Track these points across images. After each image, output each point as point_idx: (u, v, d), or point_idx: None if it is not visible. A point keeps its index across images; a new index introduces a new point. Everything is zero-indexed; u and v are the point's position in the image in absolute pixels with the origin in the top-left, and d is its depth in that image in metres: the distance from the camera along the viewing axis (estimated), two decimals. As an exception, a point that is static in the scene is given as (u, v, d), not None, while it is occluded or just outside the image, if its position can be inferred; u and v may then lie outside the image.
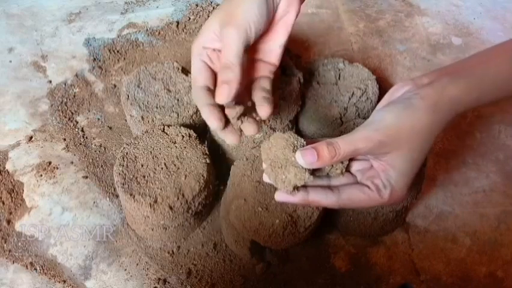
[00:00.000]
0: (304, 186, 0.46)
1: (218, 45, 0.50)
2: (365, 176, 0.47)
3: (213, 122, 0.48)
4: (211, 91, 0.49)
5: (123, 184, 0.58)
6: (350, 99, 0.68)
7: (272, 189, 0.57)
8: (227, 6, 0.50)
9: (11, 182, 0.70)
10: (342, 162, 0.46)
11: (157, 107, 0.66)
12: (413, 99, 0.44)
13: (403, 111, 0.44)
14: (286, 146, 0.45)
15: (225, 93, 0.46)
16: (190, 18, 0.96)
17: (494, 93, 0.48)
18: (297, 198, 0.46)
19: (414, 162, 0.45)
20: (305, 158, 0.43)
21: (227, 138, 0.51)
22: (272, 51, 0.53)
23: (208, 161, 0.61)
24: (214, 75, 0.50)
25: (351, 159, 0.48)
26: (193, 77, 0.51)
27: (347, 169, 0.48)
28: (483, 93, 0.47)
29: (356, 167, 0.49)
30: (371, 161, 0.47)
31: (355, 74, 0.71)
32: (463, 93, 0.45)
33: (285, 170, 0.44)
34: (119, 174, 0.59)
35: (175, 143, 0.62)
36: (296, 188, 0.45)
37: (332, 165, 0.46)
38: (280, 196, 0.46)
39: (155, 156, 0.60)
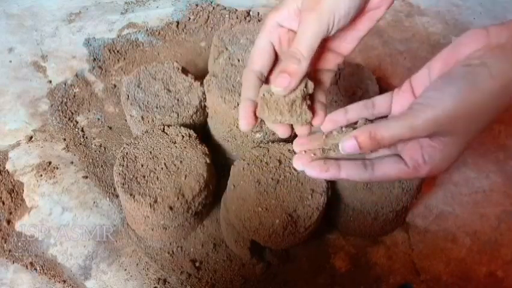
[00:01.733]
0: (336, 161, 0.43)
1: (296, 26, 0.43)
2: (405, 148, 0.41)
3: (243, 124, 0.44)
4: (262, 81, 0.44)
5: (123, 184, 0.58)
6: (350, 99, 0.68)
7: (272, 189, 0.57)
8: None
9: (11, 182, 0.70)
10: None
11: (157, 107, 0.66)
12: (479, 77, 0.36)
13: (465, 95, 0.36)
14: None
15: (284, 84, 0.41)
16: (190, 18, 0.96)
17: None
18: (329, 174, 0.42)
19: (466, 145, 0.39)
20: (346, 149, 0.39)
21: (277, 131, 0.46)
22: (348, 43, 0.47)
23: (208, 161, 0.61)
24: (275, 59, 0.45)
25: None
26: (252, 56, 0.45)
27: None
28: None
29: None
30: None
31: (355, 74, 0.71)
32: None
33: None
34: (119, 174, 0.59)
35: (175, 143, 0.62)
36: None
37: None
38: (312, 171, 0.42)
39: (155, 156, 0.60)
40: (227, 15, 0.97)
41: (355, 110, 0.45)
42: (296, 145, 0.46)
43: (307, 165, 0.43)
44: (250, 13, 0.99)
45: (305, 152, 0.45)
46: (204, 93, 0.67)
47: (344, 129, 0.44)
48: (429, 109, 0.37)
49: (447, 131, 0.38)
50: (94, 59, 0.87)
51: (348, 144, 0.39)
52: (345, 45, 0.47)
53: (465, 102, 0.36)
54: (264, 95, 0.42)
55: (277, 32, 0.44)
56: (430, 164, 0.40)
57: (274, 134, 0.65)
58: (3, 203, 0.68)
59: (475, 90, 0.36)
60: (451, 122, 0.37)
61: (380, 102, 0.45)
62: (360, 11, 0.44)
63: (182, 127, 0.64)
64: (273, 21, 0.44)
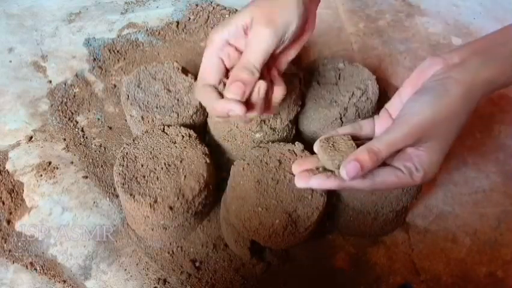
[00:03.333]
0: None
1: (242, 44, 0.46)
2: (396, 159, 0.45)
3: (238, 111, 0.45)
4: (219, 92, 0.46)
5: (123, 184, 0.58)
6: (350, 99, 0.68)
7: (272, 189, 0.57)
8: (266, 4, 0.45)
9: (11, 182, 0.70)
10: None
11: (157, 107, 0.66)
12: (447, 85, 0.42)
13: (439, 100, 0.42)
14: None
15: (239, 92, 0.43)
16: (190, 18, 0.96)
17: None
18: (334, 183, 0.44)
19: (448, 147, 0.44)
20: (349, 173, 0.42)
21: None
22: (280, 63, 0.50)
23: (208, 161, 0.61)
24: (227, 73, 0.47)
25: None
26: (203, 71, 0.47)
27: None
28: None
29: None
30: None
31: (355, 74, 0.71)
32: (496, 74, 0.43)
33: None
34: (119, 174, 0.59)
35: (175, 143, 0.62)
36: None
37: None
38: (315, 181, 0.44)
39: (155, 156, 0.60)
40: (227, 15, 0.97)
41: (344, 131, 0.49)
42: (295, 166, 0.49)
43: (311, 179, 0.45)
44: (250, 13, 0.99)
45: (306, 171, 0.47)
46: (204, 93, 0.67)
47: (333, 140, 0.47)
48: (413, 116, 0.42)
49: (430, 136, 0.43)
50: (94, 59, 0.87)
51: (349, 166, 0.42)
52: (278, 65, 0.50)
53: (440, 106, 0.42)
54: (321, 145, 0.46)
55: (226, 49, 0.46)
56: (422, 170, 0.44)
57: (274, 134, 0.65)
58: (3, 203, 0.68)
59: (447, 96, 0.42)
60: (432, 126, 0.42)
61: (365, 126, 0.49)
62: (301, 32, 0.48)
63: (182, 127, 0.64)
64: (222, 38, 0.47)
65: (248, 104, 0.45)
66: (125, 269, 0.63)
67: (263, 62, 0.44)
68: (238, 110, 0.44)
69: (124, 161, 0.60)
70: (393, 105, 0.48)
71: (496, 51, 0.44)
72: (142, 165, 0.59)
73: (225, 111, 0.45)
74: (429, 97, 0.43)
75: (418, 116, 0.42)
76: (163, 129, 0.63)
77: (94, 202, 0.69)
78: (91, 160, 0.74)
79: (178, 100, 0.66)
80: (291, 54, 0.50)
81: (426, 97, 0.43)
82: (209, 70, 0.47)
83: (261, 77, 0.46)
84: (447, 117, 0.42)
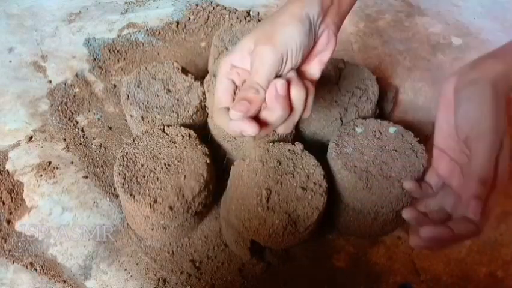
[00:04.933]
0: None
1: (249, 65, 0.47)
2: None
3: (250, 132, 0.44)
4: None
5: (123, 184, 0.58)
6: (350, 99, 0.68)
7: (272, 189, 0.57)
8: (267, 25, 0.46)
9: (11, 182, 0.70)
10: None
11: (157, 107, 0.66)
12: (476, 85, 0.44)
13: (483, 106, 0.44)
14: None
15: (244, 109, 0.43)
16: (190, 18, 0.96)
17: None
18: (444, 231, 0.43)
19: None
20: (473, 210, 0.42)
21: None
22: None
23: (208, 161, 0.61)
24: None
25: None
26: (218, 96, 0.47)
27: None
28: None
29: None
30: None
31: (355, 74, 0.71)
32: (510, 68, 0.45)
33: None
34: (119, 174, 0.59)
35: (175, 143, 0.62)
36: None
37: None
38: (426, 231, 0.43)
39: (155, 156, 0.60)
40: (227, 15, 0.97)
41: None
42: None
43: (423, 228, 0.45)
44: (250, 13, 0.99)
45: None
46: (203, 93, 0.67)
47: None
48: (479, 142, 0.43)
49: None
50: (94, 59, 0.87)
51: (473, 205, 0.42)
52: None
53: (488, 112, 0.43)
54: None
55: (234, 70, 0.47)
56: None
57: (274, 134, 0.65)
58: (3, 203, 0.68)
59: (484, 101, 0.44)
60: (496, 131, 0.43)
61: (430, 178, 0.53)
62: (309, 50, 0.48)
63: (182, 127, 0.64)
64: (227, 63, 0.48)
65: (260, 122, 0.46)
66: (125, 269, 0.63)
67: (267, 80, 0.44)
68: (250, 130, 0.44)
69: (124, 161, 0.60)
70: (438, 138, 0.50)
71: (506, 54, 0.46)
72: (142, 165, 0.59)
73: (238, 132, 0.45)
74: (474, 110, 0.44)
75: (485, 139, 0.43)
76: (163, 129, 0.63)
77: (94, 202, 0.69)
78: (91, 160, 0.74)
79: (178, 100, 0.66)
80: (313, 71, 0.50)
81: (470, 105, 0.44)
82: (221, 93, 0.47)
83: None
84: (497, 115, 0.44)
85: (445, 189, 0.51)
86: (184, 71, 0.70)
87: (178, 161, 0.60)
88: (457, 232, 0.42)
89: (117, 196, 0.69)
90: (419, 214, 0.49)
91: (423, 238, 0.43)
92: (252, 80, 0.45)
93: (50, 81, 0.84)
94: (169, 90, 0.67)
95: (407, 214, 0.49)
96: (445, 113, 0.48)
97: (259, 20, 0.97)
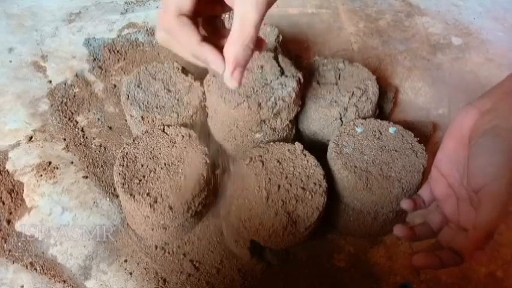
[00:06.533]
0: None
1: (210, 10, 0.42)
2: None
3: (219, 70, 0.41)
4: (190, 17, 0.40)
5: (123, 184, 0.58)
6: (350, 99, 0.68)
7: (272, 189, 0.57)
8: None
9: (11, 182, 0.70)
10: None
11: (157, 107, 0.66)
12: (496, 130, 0.43)
13: (504, 164, 0.42)
14: None
15: (239, 80, 0.41)
16: (190, 18, 0.96)
17: None
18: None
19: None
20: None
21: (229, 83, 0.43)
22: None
23: (208, 161, 0.61)
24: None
25: None
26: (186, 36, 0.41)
27: None
28: None
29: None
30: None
31: (355, 74, 0.71)
32: None
33: None
34: (119, 174, 0.59)
35: (175, 143, 0.62)
36: None
37: None
38: (417, 260, 0.46)
39: (155, 156, 0.60)
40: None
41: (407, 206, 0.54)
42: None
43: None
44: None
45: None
46: (203, 93, 0.67)
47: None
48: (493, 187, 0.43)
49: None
50: (94, 59, 0.87)
51: (477, 256, 0.44)
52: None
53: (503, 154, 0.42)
54: None
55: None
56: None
57: (274, 133, 0.65)
58: (3, 203, 0.68)
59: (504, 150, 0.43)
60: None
61: (423, 193, 0.54)
62: None
63: (182, 127, 0.64)
64: (174, 15, 0.41)
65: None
66: (125, 269, 0.63)
67: (258, 27, 0.40)
68: (223, 72, 0.41)
69: (124, 161, 0.60)
70: (441, 162, 0.50)
71: None
72: (142, 165, 0.60)
73: (204, 60, 0.41)
74: (494, 157, 0.43)
75: (499, 184, 0.42)
76: (163, 129, 0.63)
77: (94, 202, 0.69)
78: (91, 160, 0.74)
79: (178, 100, 0.66)
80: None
81: (492, 158, 0.43)
82: (190, 33, 0.40)
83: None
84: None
85: (434, 206, 0.52)
86: (184, 71, 0.70)
87: (178, 161, 0.60)
88: (445, 263, 0.45)
89: (117, 196, 0.69)
90: (409, 231, 0.51)
91: (414, 265, 0.47)
92: (242, 31, 0.39)
93: (50, 81, 0.84)
94: (169, 90, 0.67)
95: (397, 231, 0.51)
96: (455, 144, 0.48)
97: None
